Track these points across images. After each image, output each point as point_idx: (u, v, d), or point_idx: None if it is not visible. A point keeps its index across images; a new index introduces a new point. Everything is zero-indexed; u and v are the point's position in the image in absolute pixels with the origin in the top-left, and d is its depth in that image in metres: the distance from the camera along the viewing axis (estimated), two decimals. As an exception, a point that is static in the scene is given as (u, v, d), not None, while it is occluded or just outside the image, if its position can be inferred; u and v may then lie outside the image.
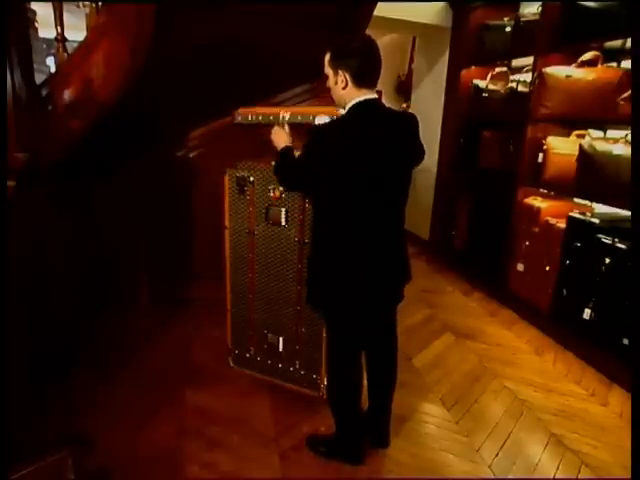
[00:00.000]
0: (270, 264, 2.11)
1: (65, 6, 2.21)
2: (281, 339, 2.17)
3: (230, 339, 2.32)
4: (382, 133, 1.50)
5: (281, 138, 1.73)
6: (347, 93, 1.51)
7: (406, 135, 1.58)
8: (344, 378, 1.75)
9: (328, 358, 1.80)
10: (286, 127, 1.75)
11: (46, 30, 2.95)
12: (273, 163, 1.74)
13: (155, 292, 3.02)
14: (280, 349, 2.18)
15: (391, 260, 1.63)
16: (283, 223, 2.02)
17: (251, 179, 2.04)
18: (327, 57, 1.53)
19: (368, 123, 1.50)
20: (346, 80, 1.49)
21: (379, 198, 1.54)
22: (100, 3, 2.11)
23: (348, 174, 1.48)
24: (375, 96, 1.54)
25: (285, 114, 1.93)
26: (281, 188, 1.96)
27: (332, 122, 1.54)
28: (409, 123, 1.60)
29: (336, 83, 1.52)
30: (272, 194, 2.01)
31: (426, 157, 1.71)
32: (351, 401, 1.77)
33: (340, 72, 1.49)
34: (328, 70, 1.54)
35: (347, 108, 1.53)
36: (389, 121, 1.55)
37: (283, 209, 2.01)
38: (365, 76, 1.50)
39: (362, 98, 1.50)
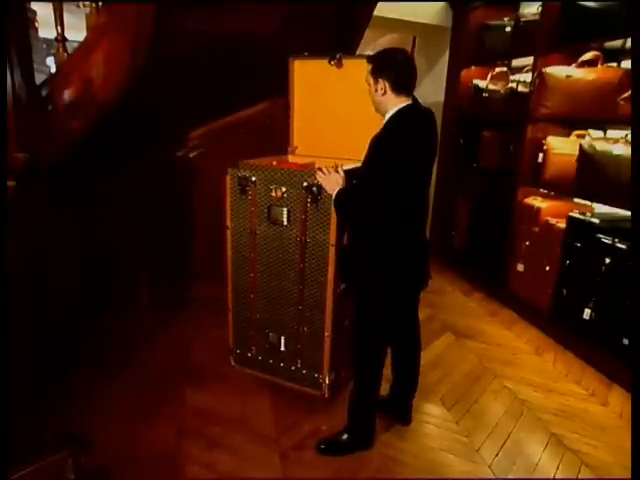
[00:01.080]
0: (272, 264, 2.11)
1: (65, 6, 2.22)
2: (282, 338, 2.17)
3: (232, 338, 2.31)
4: (424, 136, 1.69)
5: (335, 182, 1.79)
6: (386, 100, 1.67)
7: (435, 134, 1.75)
8: (375, 370, 1.85)
9: (359, 352, 1.86)
10: (340, 171, 1.81)
11: (46, 30, 2.95)
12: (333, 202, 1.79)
13: (155, 292, 3.01)
14: (282, 348, 2.18)
15: (426, 245, 1.86)
16: (285, 223, 2.02)
17: (253, 179, 2.04)
18: (369, 67, 1.69)
19: (414, 128, 1.66)
20: (385, 88, 1.65)
21: (423, 192, 1.76)
22: (100, 3, 2.11)
23: (408, 178, 1.62)
24: (411, 102, 1.67)
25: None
26: (283, 188, 1.97)
27: (388, 133, 1.64)
28: (434, 122, 1.75)
29: (376, 90, 1.67)
30: (274, 194, 2.00)
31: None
32: (376, 391, 1.88)
33: (380, 81, 1.65)
34: (369, 79, 1.70)
35: (389, 116, 1.67)
36: (425, 124, 1.71)
37: (285, 209, 2.00)
38: (402, 85, 1.65)
39: (401, 105, 1.65)
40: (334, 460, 1.84)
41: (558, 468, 1.86)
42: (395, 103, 1.65)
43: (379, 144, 1.62)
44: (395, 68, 1.65)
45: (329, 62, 2.25)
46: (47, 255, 2.18)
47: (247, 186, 2.06)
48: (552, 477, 1.82)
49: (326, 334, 2.03)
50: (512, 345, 2.85)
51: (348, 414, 1.91)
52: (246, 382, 2.30)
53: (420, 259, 1.83)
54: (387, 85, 1.64)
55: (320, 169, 1.85)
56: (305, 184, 1.92)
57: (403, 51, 1.70)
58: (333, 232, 1.91)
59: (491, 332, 3.01)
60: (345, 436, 1.90)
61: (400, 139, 1.62)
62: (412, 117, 1.68)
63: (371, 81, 1.68)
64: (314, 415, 2.09)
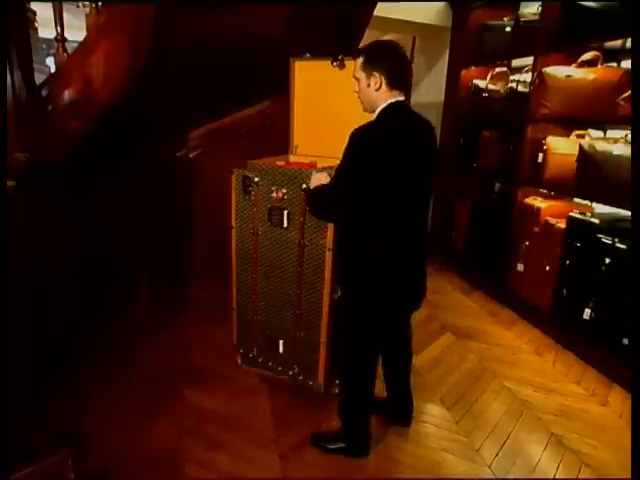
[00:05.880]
0: (272, 265, 2.09)
1: (65, 6, 2.21)
2: (281, 342, 2.15)
3: (235, 338, 2.30)
4: (415, 136, 1.57)
5: (315, 180, 1.76)
6: (380, 95, 1.57)
7: (432, 140, 1.65)
8: (368, 377, 1.79)
9: (350, 358, 1.80)
10: (319, 173, 1.79)
11: (46, 30, 2.95)
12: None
13: (155, 292, 3.01)
14: (280, 351, 2.17)
15: (421, 258, 1.72)
16: (284, 225, 2.00)
17: (256, 179, 2.01)
18: (360, 60, 1.58)
19: (403, 125, 1.56)
20: (380, 82, 1.55)
21: (415, 200, 1.61)
22: (100, 3, 2.11)
23: (391, 177, 1.50)
24: (404, 98, 1.59)
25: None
26: (284, 190, 1.94)
27: (370, 128, 1.53)
28: (431, 129, 1.67)
29: (369, 85, 1.57)
30: (275, 195, 1.98)
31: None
32: (368, 399, 1.84)
33: (375, 74, 1.54)
34: (359, 74, 1.59)
35: (378, 111, 1.57)
36: (419, 125, 1.62)
37: (285, 211, 1.98)
38: (398, 78, 1.56)
39: (393, 100, 1.56)
40: (333, 460, 1.84)
41: (558, 468, 1.86)
42: (387, 98, 1.56)
43: (358, 135, 1.49)
44: (391, 60, 1.55)
45: (331, 63, 2.24)
46: (47, 255, 2.18)
47: (250, 186, 2.04)
48: (552, 477, 1.82)
49: (322, 340, 2.00)
50: (512, 345, 2.85)
51: (340, 420, 1.87)
52: (246, 382, 2.30)
53: (410, 277, 1.68)
54: (383, 79, 1.53)
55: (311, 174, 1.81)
56: (304, 186, 1.89)
57: (396, 43, 1.59)
58: (330, 236, 1.89)
59: (491, 332, 3.01)
60: (338, 436, 1.87)
61: (385, 131, 1.50)
62: (405, 113, 1.58)
63: (362, 75, 1.57)
64: (314, 415, 2.08)
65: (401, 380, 2.01)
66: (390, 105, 1.55)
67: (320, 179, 1.74)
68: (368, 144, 1.49)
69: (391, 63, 1.54)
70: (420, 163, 1.57)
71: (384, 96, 1.56)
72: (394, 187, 1.51)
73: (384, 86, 1.55)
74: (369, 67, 1.55)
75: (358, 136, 1.50)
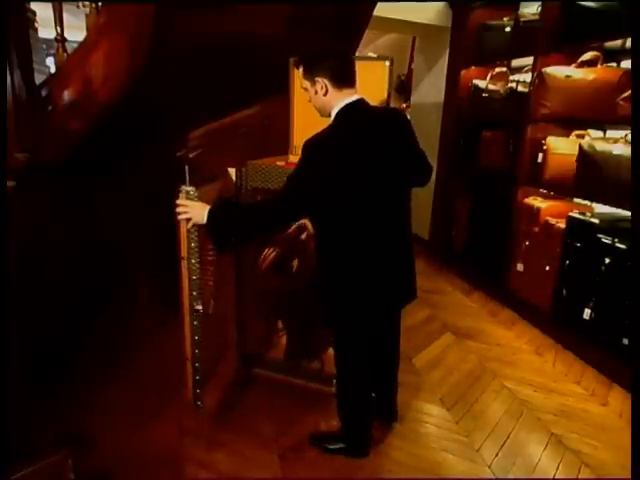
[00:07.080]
0: None
1: (65, 6, 2.21)
2: None
3: None
4: (376, 132, 1.53)
5: (198, 211, 1.66)
6: (330, 98, 1.52)
7: (400, 130, 1.60)
8: (360, 376, 1.77)
9: (342, 363, 1.78)
10: (187, 201, 1.69)
11: (46, 30, 2.95)
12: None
13: (155, 292, 3.01)
14: None
15: (399, 258, 1.65)
16: None
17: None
18: (300, 71, 1.56)
19: (359, 125, 1.52)
20: (326, 85, 1.50)
21: (385, 202, 1.56)
22: (100, 3, 2.11)
23: (355, 183, 1.48)
24: (359, 97, 1.55)
25: (188, 188, 1.74)
26: (188, 191, 1.78)
27: (326, 135, 1.49)
28: (398, 118, 1.62)
29: (316, 92, 1.53)
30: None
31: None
32: (367, 401, 1.82)
33: (318, 79, 1.50)
34: (305, 83, 1.56)
35: (334, 114, 1.54)
36: (381, 119, 1.58)
37: None
38: (343, 75, 1.51)
39: (348, 100, 1.52)
40: (333, 460, 1.84)
41: (558, 468, 1.86)
42: (340, 99, 1.51)
43: (309, 148, 1.45)
44: (330, 61, 1.50)
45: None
46: (47, 255, 2.18)
47: None
48: (552, 477, 1.82)
49: (187, 357, 1.86)
50: (512, 345, 2.85)
51: (340, 420, 1.86)
52: (246, 382, 2.30)
53: (387, 273, 1.63)
54: (326, 82, 1.49)
55: (177, 205, 1.63)
56: (182, 187, 1.70)
57: (332, 45, 1.57)
58: (184, 244, 1.79)
59: (491, 332, 3.01)
60: (338, 436, 1.87)
61: (338, 137, 1.47)
62: (361, 112, 1.53)
63: (307, 84, 1.54)
64: (314, 415, 2.09)
65: (386, 381, 1.98)
66: (343, 108, 1.51)
67: (196, 208, 1.67)
68: (320, 155, 1.46)
69: (330, 63, 1.50)
70: (387, 157, 1.53)
71: (334, 97, 1.52)
72: (357, 189, 1.48)
73: (331, 88, 1.50)
74: (310, 74, 1.52)
75: (310, 148, 1.46)
